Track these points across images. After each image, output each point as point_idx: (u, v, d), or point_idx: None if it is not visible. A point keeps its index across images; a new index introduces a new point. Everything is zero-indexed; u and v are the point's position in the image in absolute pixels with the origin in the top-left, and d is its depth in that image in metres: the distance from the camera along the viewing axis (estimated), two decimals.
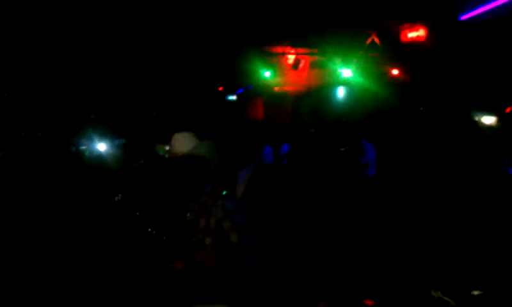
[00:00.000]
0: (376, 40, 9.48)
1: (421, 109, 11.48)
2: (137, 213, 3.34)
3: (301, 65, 10.25)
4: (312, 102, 11.48)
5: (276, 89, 12.15)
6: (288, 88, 11.94)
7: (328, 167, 8.97)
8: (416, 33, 8.76)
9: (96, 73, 11.63)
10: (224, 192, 3.28)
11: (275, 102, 12.38)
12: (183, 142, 3.40)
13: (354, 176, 8.65)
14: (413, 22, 8.68)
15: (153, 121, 12.78)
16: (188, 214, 3.31)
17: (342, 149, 8.60)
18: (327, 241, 6.81)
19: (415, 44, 8.93)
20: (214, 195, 3.25)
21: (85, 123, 12.41)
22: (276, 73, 11.29)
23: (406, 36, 8.86)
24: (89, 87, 12.42)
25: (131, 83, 12.24)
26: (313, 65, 10.80)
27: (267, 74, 11.28)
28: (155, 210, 3.34)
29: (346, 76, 10.55)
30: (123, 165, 3.62)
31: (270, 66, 11.08)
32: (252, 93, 13.04)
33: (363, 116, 10.12)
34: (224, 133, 4.74)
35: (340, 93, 11.76)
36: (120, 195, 3.49)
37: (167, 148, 3.61)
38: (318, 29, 8.74)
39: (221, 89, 13.19)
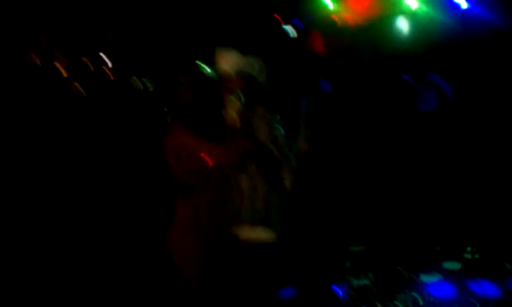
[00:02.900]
0: None
1: (486, 43, 10.82)
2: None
3: None
4: (372, 33, 10.99)
5: (336, 19, 11.68)
6: (348, 17, 11.44)
7: (386, 101, 8.65)
8: None
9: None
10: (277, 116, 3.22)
11: (333, 32, 11.90)
12: (229, 60, 3.29)
13: (419, 110, 8.27)
14: None
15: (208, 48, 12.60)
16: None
17: (402, 81, 8.24)
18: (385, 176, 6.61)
19: None
20: (264, 116, 3.19)
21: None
22: (337, 3, 10.85)
23: None
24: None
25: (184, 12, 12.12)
26: None
27: (328, 2, 10.86)
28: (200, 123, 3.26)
29: (411, 5, 10.03)
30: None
31: None
32: (309, 23, 12.58)
33: (428, 49, 9.61)
34: (278, 57, 4.63)
35: (404, 24, 11.15)
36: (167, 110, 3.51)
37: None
38: None
39: (277, 16, 12.76)
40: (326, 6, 11.18)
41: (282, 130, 3.25)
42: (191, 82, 3.29)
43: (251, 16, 11.81)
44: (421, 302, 4.12)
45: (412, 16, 10.95)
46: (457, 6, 10.07)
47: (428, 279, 4.55)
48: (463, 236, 5.39)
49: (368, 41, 11.00)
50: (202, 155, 3.06)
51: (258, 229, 3.05)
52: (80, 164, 7.17)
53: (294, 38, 12.77)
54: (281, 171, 3.13)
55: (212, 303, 3.11)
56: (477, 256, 5.16)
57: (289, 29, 13.09)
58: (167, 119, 3.48)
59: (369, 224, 5.38)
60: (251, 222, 3.08)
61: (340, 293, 3.88)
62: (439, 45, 9.80)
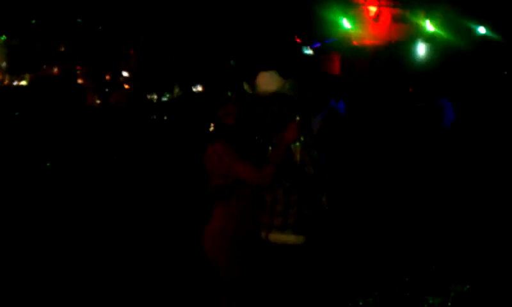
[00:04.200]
0: None
1: (505, 72, 10.93)
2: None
3: (382, 17, 9.98)
4: (391, 58, 11.16)
5: (354, 42, 11.85)
6: (368, 42, 11.62)
7: (402, 124, 8.76)
8: None
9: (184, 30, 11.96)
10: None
11: (353, 56, 12.09)
12: (269, 81, 3.54)
13: (430, 135, 8.37)
14: None
15: (233, 70, 12.90)
16: (270, 148, 3.43)
17: (419, 104, 8.35)
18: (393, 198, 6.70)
19: None
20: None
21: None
22: (356, 26, 11.05)
23: None
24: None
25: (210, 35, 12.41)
26: (396, 19, 10.51)
27: (347, 25, 11.04)
28: (241, 140, 3.49)
29: (429, 31, 10.18)
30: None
31: (350, 17, 10.84)
32: (329, 47, 12.79)
33: (444, 74, 9.74)
34: (300, 80, 4.78)
35: (422, 49, 11.34)
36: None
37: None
38: None
39: (298, 40, 12.99)
40: (346, 30, 11.34)
41: (316, 152, 3.37)
42: (238, 103, 3.54)
43: (273, 38, 12.08)
44: None
45: (430, 40, 11.11)
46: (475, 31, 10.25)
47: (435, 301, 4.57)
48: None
49: (386, 63, 11.15)
50: (238, 172, 3.29)
51: (287, 233, 3.25)
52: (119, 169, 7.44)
53: (312, 59, 13.00)
54: (319, 193, 3.28)
55: (245, 298, 3.36)
56: None
57: (310, 52, 13.32)
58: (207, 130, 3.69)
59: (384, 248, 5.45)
60: (281, 228, 3.27)
61: None
62: (456, 69, 9.95)
